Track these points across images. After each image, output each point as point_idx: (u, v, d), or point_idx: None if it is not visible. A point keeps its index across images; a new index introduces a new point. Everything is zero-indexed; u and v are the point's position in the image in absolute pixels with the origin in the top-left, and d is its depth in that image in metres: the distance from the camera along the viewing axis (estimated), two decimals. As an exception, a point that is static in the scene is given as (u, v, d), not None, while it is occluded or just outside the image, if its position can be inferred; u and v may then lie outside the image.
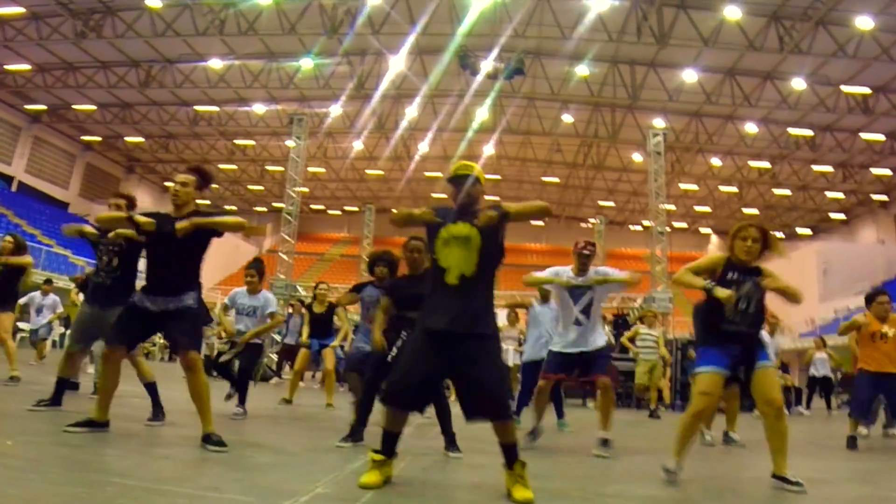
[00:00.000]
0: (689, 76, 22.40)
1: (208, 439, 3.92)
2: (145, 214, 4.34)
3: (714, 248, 41.98)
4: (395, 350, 4.71)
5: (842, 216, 34.68)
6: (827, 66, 20.52)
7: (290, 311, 11.72)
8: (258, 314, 6.39)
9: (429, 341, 3.21)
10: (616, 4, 18.89)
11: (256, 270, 6.51)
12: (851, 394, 6.71)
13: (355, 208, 41.26)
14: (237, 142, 31.29)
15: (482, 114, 26.31)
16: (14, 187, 27.47)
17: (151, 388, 5.10)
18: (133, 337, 4.25)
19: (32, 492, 2.65)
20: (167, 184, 37.24)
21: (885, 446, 6.69)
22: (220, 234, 4.18)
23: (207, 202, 39.11)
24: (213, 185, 36.36)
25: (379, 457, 3.20)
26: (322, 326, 8.13)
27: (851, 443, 6.23)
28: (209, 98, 26.65)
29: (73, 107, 26.96)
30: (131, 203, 5.16)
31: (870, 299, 6.60)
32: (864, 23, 17.94)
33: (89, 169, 32.54)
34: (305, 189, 24.80)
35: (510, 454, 3.14)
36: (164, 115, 27.91)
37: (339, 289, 14.14)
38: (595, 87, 23.95)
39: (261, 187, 37.52)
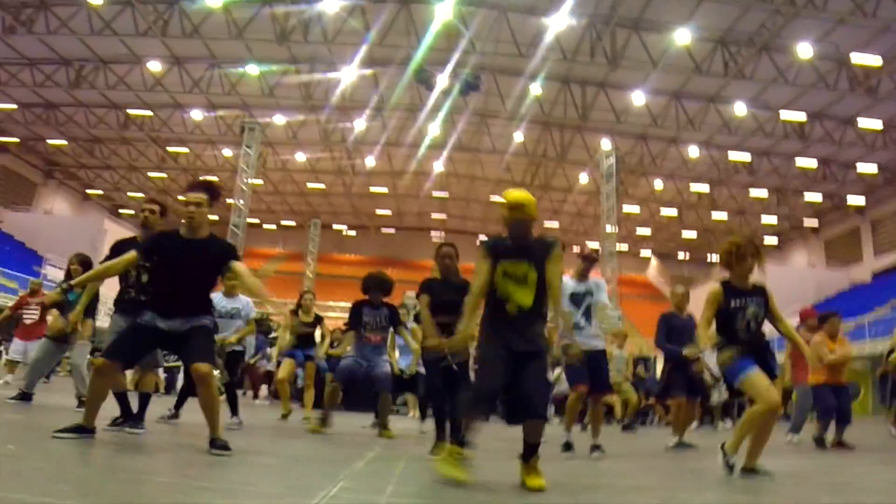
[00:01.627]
0: (638, 98, 23.41)
1: (214, 443, 3.99)
2: (159, 235, 4.48)
3: (654, 272, 43.67)
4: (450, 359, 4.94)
5: (775, 240, 36.82)
6: (767, 91, 21.99)
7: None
8: (239, 317, 6.59)
9: (504, 357, 3.60)
10: (573, 24, 19.61)
11: None
12: (816, 404, 7.43)
13: (292, 223, 40.64)
14: (170, 149, 30.28)
15: (434, 129, 26.58)
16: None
17: (144, 398, 5.11)
18: (134, 355, 4.25)
19: (81, 488, 2.64)
20: (89, 191, 35.86)
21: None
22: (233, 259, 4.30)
23: (132, 212, 37.78)
24: (138, 195, 35.27)
25: (458, 450, 3.59)
26: (306, 335, 8.19)
27: (820, 443, 7.04)
28: (143, 102, 25.75)
29: (-7, 105, 25.52)
30: (164, 210, 5.17)
31: (823, 319, 7.52)
32: (804, 50, 19.32)
33: (3, 172, 30.59)
34: (241, 202, 24.24)
35: (531, 450, 3.53)
36: (92, 118, 26.71)
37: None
38: (546, 105, 24.69)
39: (192, 199, 36.41)
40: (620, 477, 4.47)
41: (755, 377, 4.07)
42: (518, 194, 3.76)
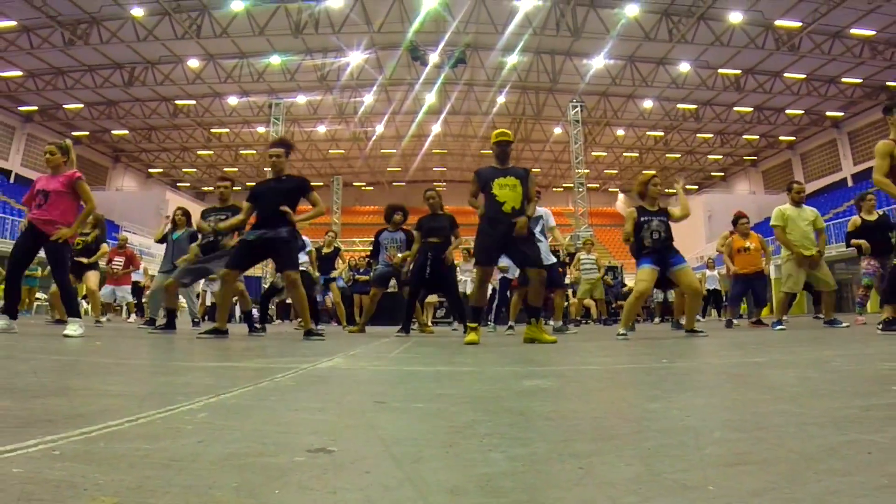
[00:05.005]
0: (598, 63, 23.46)
1: (309, 333, 4.81)
2: (257, 184, 5.13)
3: (621, 204, 44.10)
4: (428, 268, 5.85)
5: (721, 174, 37.07)
6: (707, 52, 21.98)
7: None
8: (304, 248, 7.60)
9: (497, 230, 4.44)
10: (539, 4, 19.61)
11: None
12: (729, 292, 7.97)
13: (320, 183, 41.09)
14: (213, 130, 30.66)
15: (430, 98, 26.85)
16: (12, 179, 26.17)
17: (248, 315, 5.99)
18: (244, 263, 4.99)
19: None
20: (151, 170, 36.41)
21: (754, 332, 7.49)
22: (305, 194, 4.96)
23: (188, 184, 38.44)
24: (192, 170, 35.76)
25: (474, 325, 4.44)
26: (328, 264, 8.59)
27: (729, 324, 7.57)
28: (187, 93, 26.03)
29: (64, 106, 25.78)
30: (233, 182, 5.96)
31: (735, 222, 7.76)
32: (735, 17, 19.39)
33: (79, 160, 30.54)
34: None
35: (533, 313, 4.48)
36: (146, 109, 27.03)
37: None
38: (522, 73, 24.80)
39: (235, 169, 36.94)
40: (590, 357, 5.10)
41: (643, 271, 5.07)
42: (500, 129, 4.67)
